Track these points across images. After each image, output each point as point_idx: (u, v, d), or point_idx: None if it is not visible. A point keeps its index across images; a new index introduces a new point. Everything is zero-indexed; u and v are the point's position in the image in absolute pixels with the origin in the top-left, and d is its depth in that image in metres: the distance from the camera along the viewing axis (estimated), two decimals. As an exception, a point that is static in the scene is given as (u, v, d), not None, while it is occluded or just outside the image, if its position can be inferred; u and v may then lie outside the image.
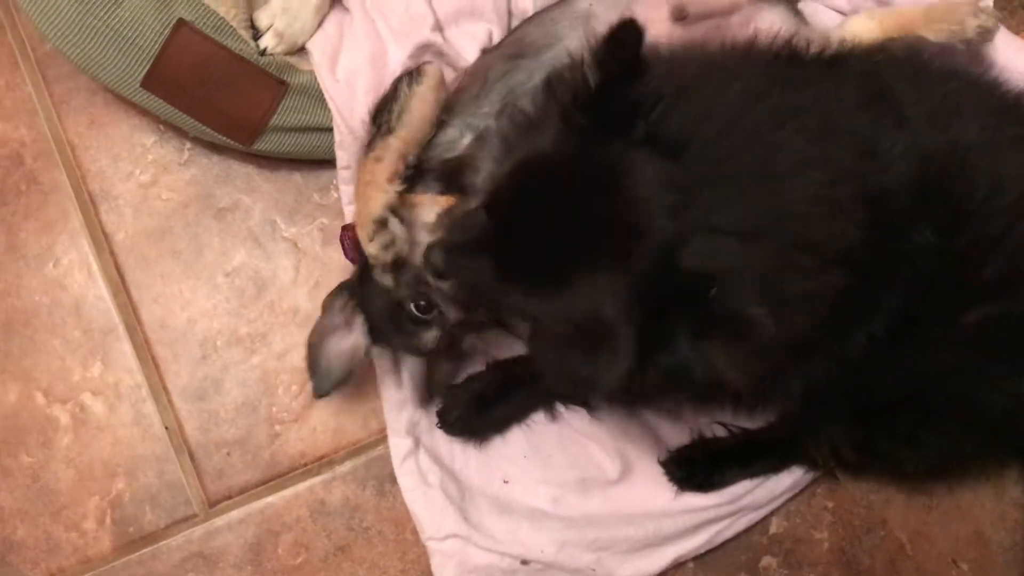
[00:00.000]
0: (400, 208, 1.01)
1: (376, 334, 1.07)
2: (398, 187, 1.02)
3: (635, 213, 0.73)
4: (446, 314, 1.02)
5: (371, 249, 1.00)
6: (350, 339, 1.07)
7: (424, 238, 1.00)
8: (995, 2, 1.25)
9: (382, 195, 1.01)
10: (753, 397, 1.02)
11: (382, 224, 0.99)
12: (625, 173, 0.74)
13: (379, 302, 1.04)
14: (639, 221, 0.72)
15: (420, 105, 1.05)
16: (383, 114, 1.06)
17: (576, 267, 0.75)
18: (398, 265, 1.00)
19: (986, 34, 1.12)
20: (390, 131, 1.04)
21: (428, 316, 1.02)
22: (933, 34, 1.10)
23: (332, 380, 1.07)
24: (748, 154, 0.75)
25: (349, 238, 1.08)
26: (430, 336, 1.03)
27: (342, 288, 1.09)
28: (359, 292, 1.07)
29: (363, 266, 1.06)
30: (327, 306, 1.08)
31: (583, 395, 1.13)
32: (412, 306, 1.02)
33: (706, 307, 0.69)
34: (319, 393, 1.08)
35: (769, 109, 0.78)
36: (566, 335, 0.82)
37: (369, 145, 1.06)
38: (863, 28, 1.11)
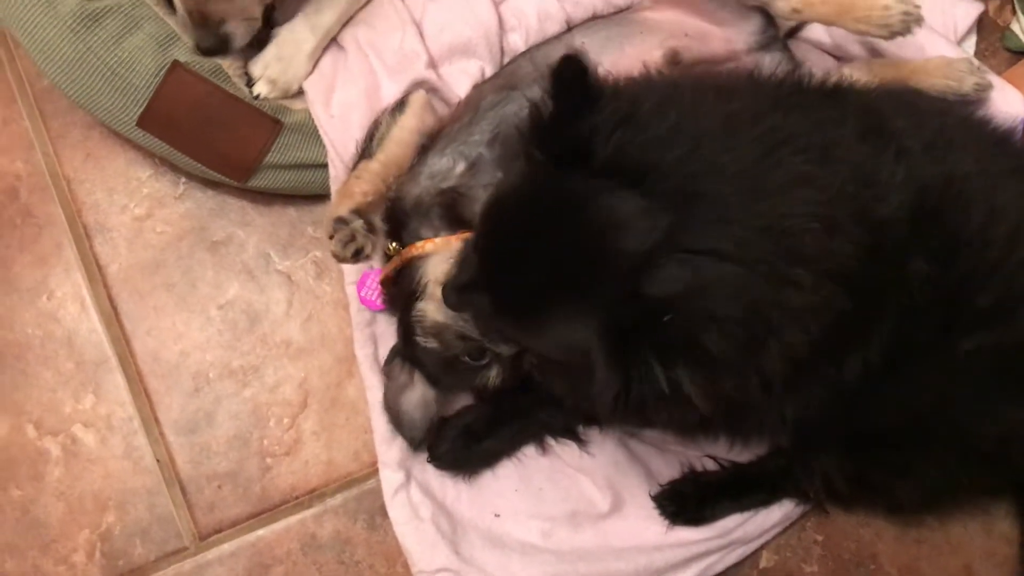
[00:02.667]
0: (365, 211, 1.04)
1: (437, 383, 1.10)
2: (369, 199, 1.05)
3: (596, 243, 0.73)
4: (500, 352, 1.03)
5: (332, 247, 1.02)
6: (419, 392, 1.11)
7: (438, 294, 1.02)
8: (978, 42, 1.28)
9: (350, 201, 1.04)
10: (746, 425, 1.02)
11: (342, 222, 1.02)
12: (585, 205, 0.74)
13: (431, 359, 1.07)
14: (601, 251, 0.73)
15: (400, 132, 1.10)
16: (367, 142, 1.11)
17: (549, 302, 0.77)
18: (358, 257, 1.02)
19: (983, 91, 1.14)
20: (371, 156, 1.09)
21: (484, 360, 1.04)
22: (928, 87, 1.12)
23: (421, 431, 1.12)
24: (732, 173, 0.75)
25: (375, 286, 1.13)
26: (492, 374, 1.05)
27: (394, 352, 1.13)
28: (408, 353, 1.10)
29: (405, 332, 1.08)
30: (387, 372, 1.13)
31: (593, 416, 1.13)
32: (466, 357, 1.04)
33: (668, 333, 0.70)
34: (414, 446, 1.14)
35: (764, 130, 0.79)
36: (560, 363, 0.84)
37: (353, 168, 1.11)
38: (859, 76, 1.13)
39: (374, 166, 1.08)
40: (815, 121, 0.84)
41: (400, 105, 1.12)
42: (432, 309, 1.04)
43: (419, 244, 1.06)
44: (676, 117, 0.77)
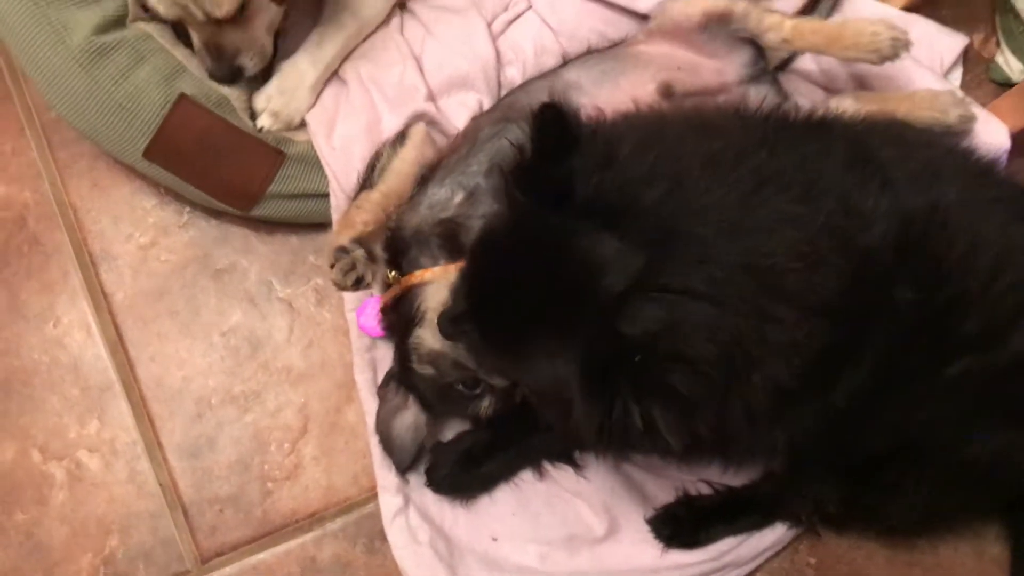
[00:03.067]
0: (365, 241, 1.06)
1: (431, 409, 1.12)
2: (370, 228, 1.07)
3: (575, 283, 0.76)
4: (493, 383, 1.05)
5: (333, 275, 1.04)
6: (411, 416, 1.13)
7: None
8: (963, 74, 1.31)
9: (351, 230, 1.07)
10: (738, 451, 1.04)
11: (343, 251, 1.04)
12: (564, 245, 0.77)
13: (426, 386, 1.09)
14: (579, 291, 0.75)
15: (400, 163, 1.12)
16: (369, 172, 1.14)
17: (531, 338, 0.79)
18: (359, 286, 1.04)
19: (967, 122, 1.16)
20: (372, 186, 1.11)
21: (477, 389, 1.06)
22: (915, 119, 1.14)
23: (409, 455, 1.14)
24: (712, 213, 0.77)
25: (374, 313, 1.14)
26: (484, 404, 1.07)
27: (389, 376, 1.15)
28: (404, 378, 1.12)
29: (401, 358, 1.11)
30: (382, 395, 1.15)
31: (581, 443, 1.14)
32: (460, 386, 1.06)
33: (641, 371, 0.71)
34: (401, 469, 1.15)
35: (749, 169, 0.81)
36: (544, 395, 0.86)
37: (354, 198, 1.13)
38: (846, 108, 1.15)
39: (375, 196, 1.11)
40: (801, 156, 0.86)
41: (401, 137, 1.15)
42: (429, 336, 1.06)
43: (418, 272, 1.09)
44: (655, 158, 0.80)
